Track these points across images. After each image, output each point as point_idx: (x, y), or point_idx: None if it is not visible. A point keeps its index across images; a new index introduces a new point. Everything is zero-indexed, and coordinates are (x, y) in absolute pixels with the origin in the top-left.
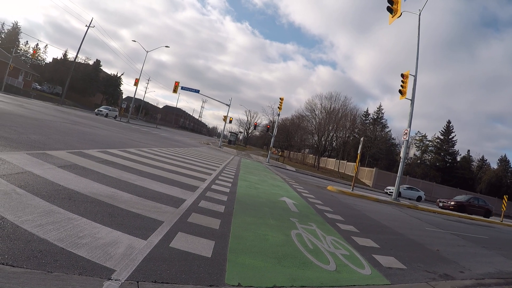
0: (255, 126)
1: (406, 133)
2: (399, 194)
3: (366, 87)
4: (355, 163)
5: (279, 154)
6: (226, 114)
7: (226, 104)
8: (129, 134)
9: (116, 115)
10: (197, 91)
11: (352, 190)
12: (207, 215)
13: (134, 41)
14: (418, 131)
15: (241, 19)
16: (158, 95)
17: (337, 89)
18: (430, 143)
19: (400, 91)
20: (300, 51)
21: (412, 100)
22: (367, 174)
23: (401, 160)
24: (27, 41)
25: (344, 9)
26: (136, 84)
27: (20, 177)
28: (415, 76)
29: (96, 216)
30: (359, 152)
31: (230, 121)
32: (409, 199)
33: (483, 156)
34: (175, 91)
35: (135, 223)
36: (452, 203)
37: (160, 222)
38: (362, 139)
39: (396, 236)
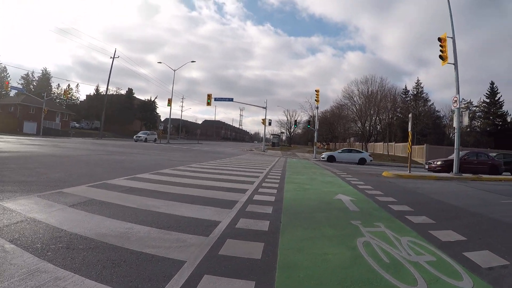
0: (295, 123)
1: (456, 100)
2: (333, 159)
3: (399, 64)
4: (404, 144)
5: (325, 147)
6: (264, 117)
7: (263, 107)
8: (168, 155)
9: (156, 138)
10: (231, 100)
11: (409, 172)
12: (246, 239)
13: (160, 62)
14: (463, 98)
15: (262, 21)
16: (196, 112)
17: (370, 73)
18: (477, 108)
19: (440, 57)
20: (326, 42)
21: (455, 64)
22: (418, 152)
23: (455, 130)
24: (58, 84)
25: None
26: (169, 104)
27: (16, 228)
28: (453, 38)
29: (94, 269)
30: (409, 130)
31: (270, 123)
32: (348, 163)
33: None
34: (209, 103)
35: (145, 271)
36: (439, 163)
37: (180, 263)
38: (410, 115)
39: (476, 218)
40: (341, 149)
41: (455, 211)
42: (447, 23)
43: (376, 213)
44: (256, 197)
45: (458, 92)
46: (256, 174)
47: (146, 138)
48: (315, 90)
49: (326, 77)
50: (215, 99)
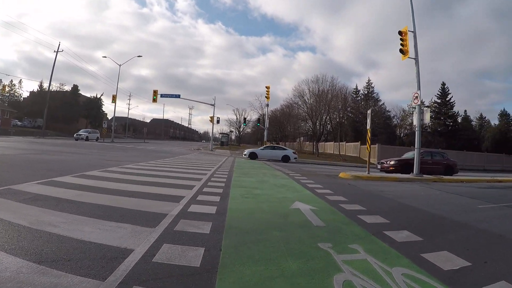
0: (245, 121)
1: (417, 96)
2: (255, 156)
3: (349, 65)
4: (355, 143)
5: None
6: (212, 115)
7: (211, 104)
8: (107, 154)
9: (98, 137)
10: (178, 96)
11: (368, 173)
12: (164, 286)
13: (105, 57)
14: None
15: (214, 20)
16: (144, 110)
17: (321, 73)
18: (428, 108)
19: (401, 51)
20: (277, 42)
21: (416, 59)
22: (371, 152)
23: (416, 128)
24: (1, 80)
25: None
26: (114, 100)
27: None
28: (414, 32)
29: None
30: (368, 127)
31: (218, 121)
32: (272, 160)
33: (481, 113)
34: (155, 100)
35: None
36: (392, 162)
37: None
38: (369, 111)
39: (465, 231)
40: (264, 146)
41: (436, 221)
42: (397, 26)
43: (347, 228)
44: (193, 207)
45: (419, 88)
46: (198, 177)
47: (87, 137)
48: (266, 87)
49: (277, 77)
50: (162, 96)
